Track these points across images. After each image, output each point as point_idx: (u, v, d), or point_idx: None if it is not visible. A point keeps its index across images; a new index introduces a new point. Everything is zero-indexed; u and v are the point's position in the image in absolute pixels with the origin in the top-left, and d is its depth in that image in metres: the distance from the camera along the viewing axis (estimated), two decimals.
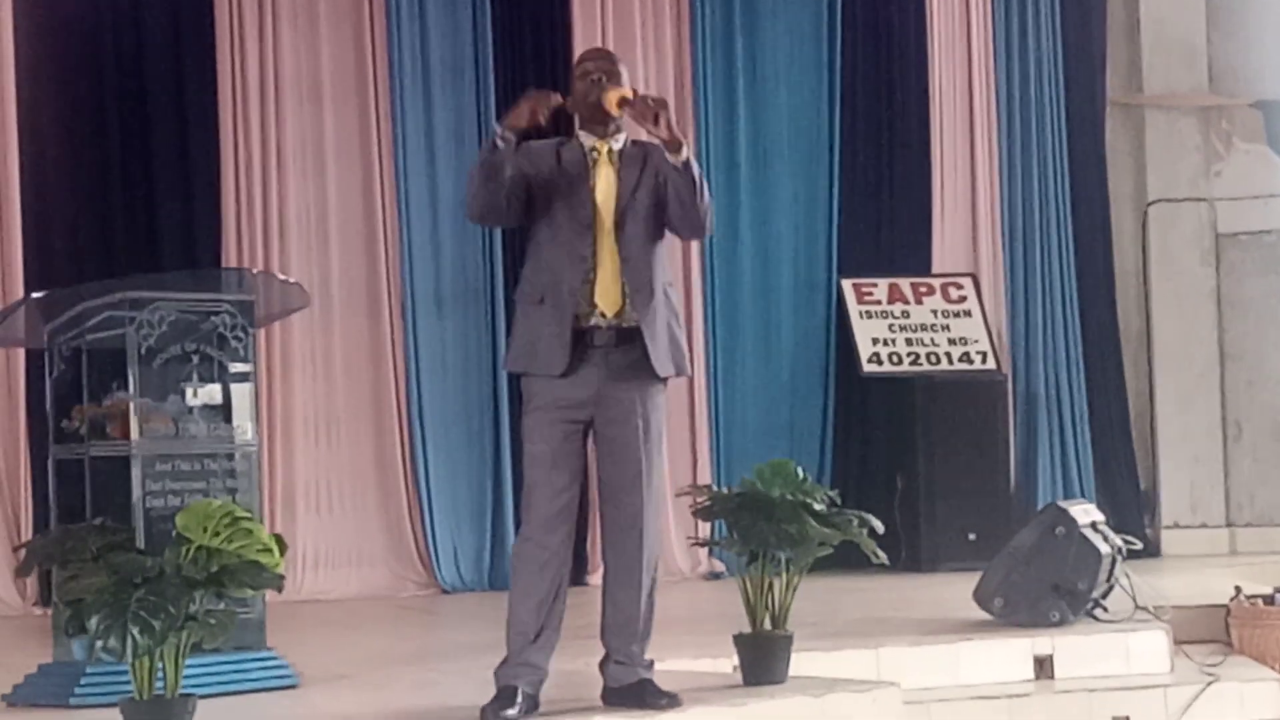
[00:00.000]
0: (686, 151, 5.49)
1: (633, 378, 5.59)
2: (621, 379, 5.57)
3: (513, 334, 5.69)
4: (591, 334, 5.53)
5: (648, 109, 5.45)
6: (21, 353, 9.66)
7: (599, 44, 11.15)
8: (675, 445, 11.22)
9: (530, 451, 5.58)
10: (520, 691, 5.52)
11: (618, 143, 5.65)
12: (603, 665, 5.71)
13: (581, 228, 5.54)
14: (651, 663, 5.70)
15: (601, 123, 5.63)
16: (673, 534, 11.00)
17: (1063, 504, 8.33)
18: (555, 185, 5.56)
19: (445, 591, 10.43)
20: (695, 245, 11.32)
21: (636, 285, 5.56)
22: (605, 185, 5.60)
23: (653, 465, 5.65)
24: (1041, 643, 7.59)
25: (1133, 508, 11.78)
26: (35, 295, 6.76)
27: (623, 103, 5.58)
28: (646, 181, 5.61)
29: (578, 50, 10.99)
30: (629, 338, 5.57)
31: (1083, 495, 11.34)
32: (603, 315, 5.53)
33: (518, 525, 6.00)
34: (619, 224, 5.56)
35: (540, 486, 5.55)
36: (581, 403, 5.53)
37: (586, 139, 5.65)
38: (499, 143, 5.41)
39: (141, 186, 10.33)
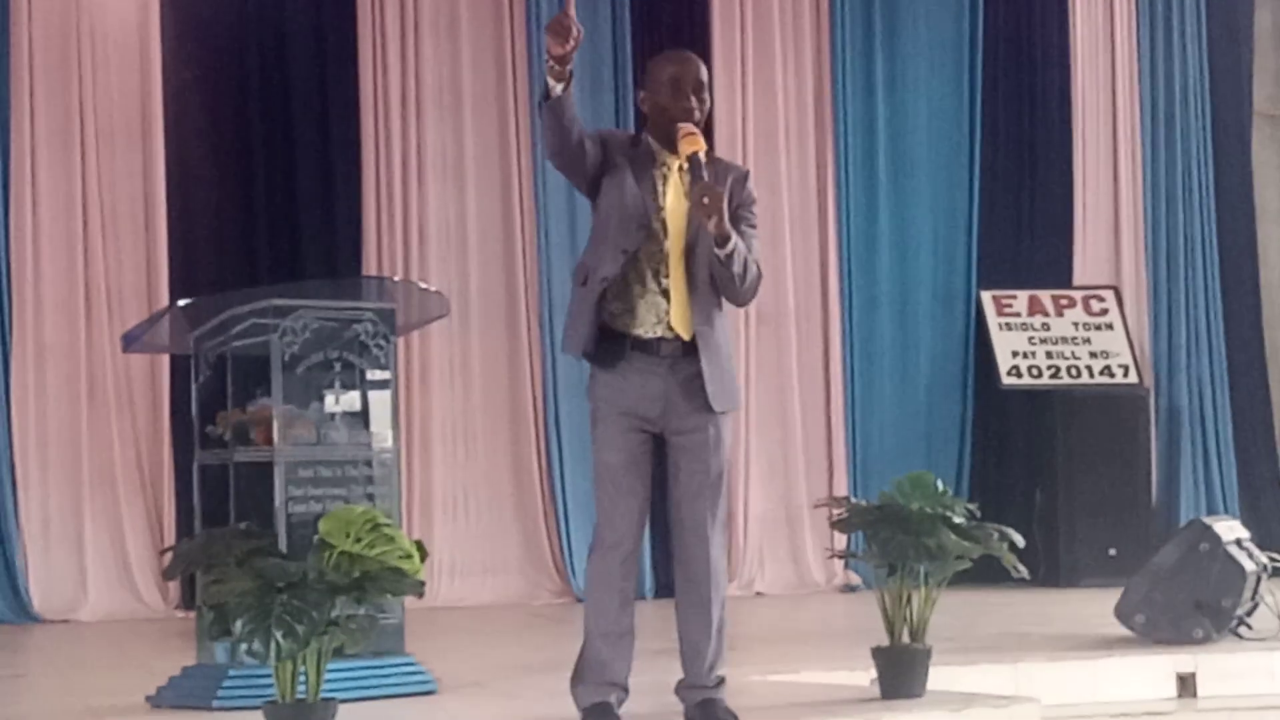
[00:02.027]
0: (731, 245, 5.33)
1: (700, 392, 5.51)
2: (690, 392, 5.48)
3: (568, 313, 5.55)
4: (658, 345, 5.47)
5: (706, 200, 5.26)
6: (166, 358, 9.81)
7: (738, 55, 11.17)
8: (811, 456, 11.21)
9: (603, 462, 5.44)
10: (612, 708, 5.44)
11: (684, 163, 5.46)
12: (678, 688, 5.60)
13: (649, 241, 5.41)
14: (720, 681, 5.52)
15: (671, 141, 5.47)
16: (809, 545, 10.98)
17: (1207, 520, 8.22)
18: (624, 182, 5.42)
19: (580, 600, 10.44)
20: (833, 254, 11.31)
21: (703, 312, 5.45)
22: (675, 203, 5.45)
23: (721, 482, 5.51)
24: (1184, 660, 7.48)
25: (1277, 525, 11.59)
26: (181, 302, 6.84)
27: (691, 160, 5.43)
28: (731, 211, 5.41)
29: (718, 60, 11.04)
30: (693, 356, 5.47)
31: (1226, 511, 11.19)
32: (671, 330, 5.46)
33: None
34: (690, 247, 5.42)
35: (616, 499, 5.42)
36: (651, 415, 5.42)
37: (657, 149, 5.49)
38: (550, 83, 5.23)
39: (284, 196, 10.46)
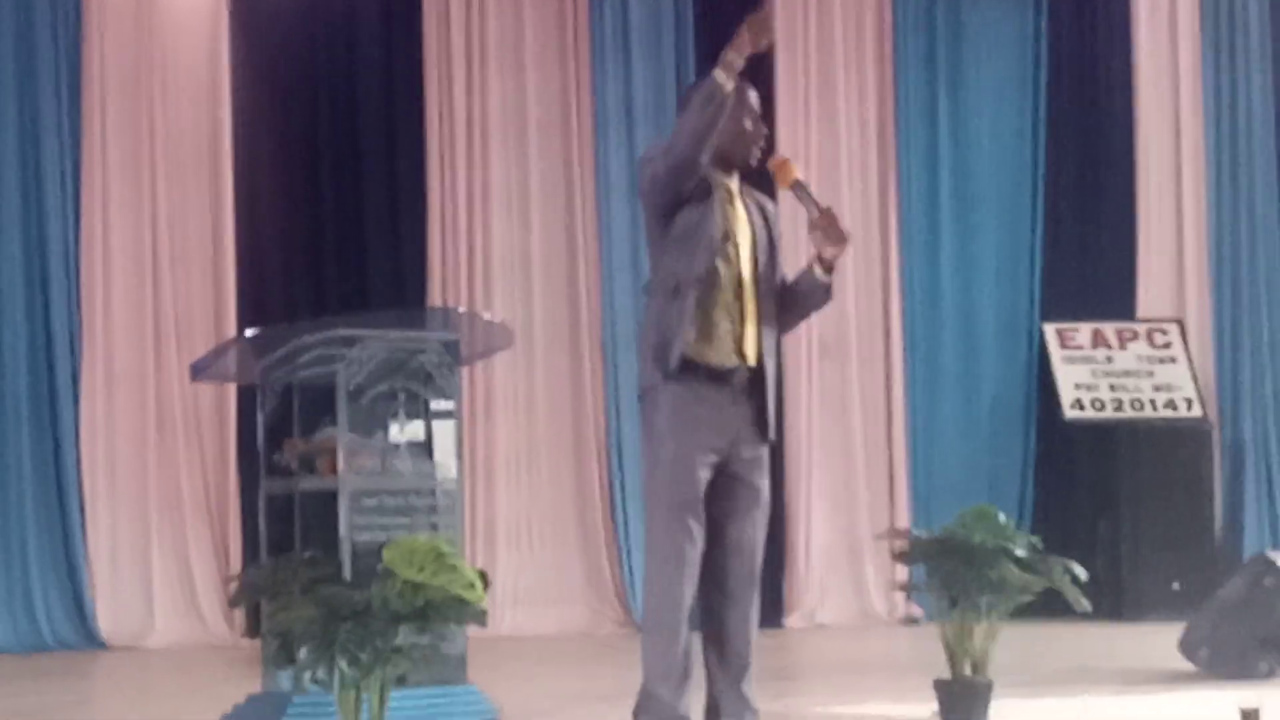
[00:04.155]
0: (834, 273, 5.50)
1: (756, 422, 5.54)
2: (751, 421, 5.51)
3: (652, 329, 5.45)
4: (731, 374, 5.49)
5: (836, 228, 5.41)
6: (233, 388, 9.89)
7: (802, 88, 11.19)
8: (873, 488, 11.19)
9: (673, 500, 5.37)
10: None
11: (734, 181, 5.58)
12: (715, 716, 5.60)
13: (724, 263, 5.44)
14: (758, 712, 5.56)
15: (732, 166, 5.54)
16: (871, 577, 10.96)
17: (1271, 554, 8.17)
18: (701, 203, 5.44)
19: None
20: (895, 287, 11.30)
21: (771, 338, 5.52)
22: (744, 228, 5.50)
23: (768, 504, 5.58)
24: (1249, 696, 7.40)
25: None
26: (249, 333, 6.92)
27: (796, 186, 5.51)
28: (774, 241, 5.57)
29: (782, 93, 11.06)
30: (756, 386, 5.52)
31: None
32: (744, 360, 5.48)
33: None
34: (759, 276, 5.49)
35: (688, 540, 5.37)
36: (721, 445, 5.43)
37: (711, 172, 5.50)
38: (721, 80, 5.23)
39: (351, 227, 10.55)
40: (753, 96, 5.58)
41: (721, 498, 5.46)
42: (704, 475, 5.42)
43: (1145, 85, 11.74)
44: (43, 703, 7.66)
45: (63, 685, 8.45)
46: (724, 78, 5.24)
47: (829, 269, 5.47)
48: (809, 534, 10.98)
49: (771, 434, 5.51)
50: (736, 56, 5.24)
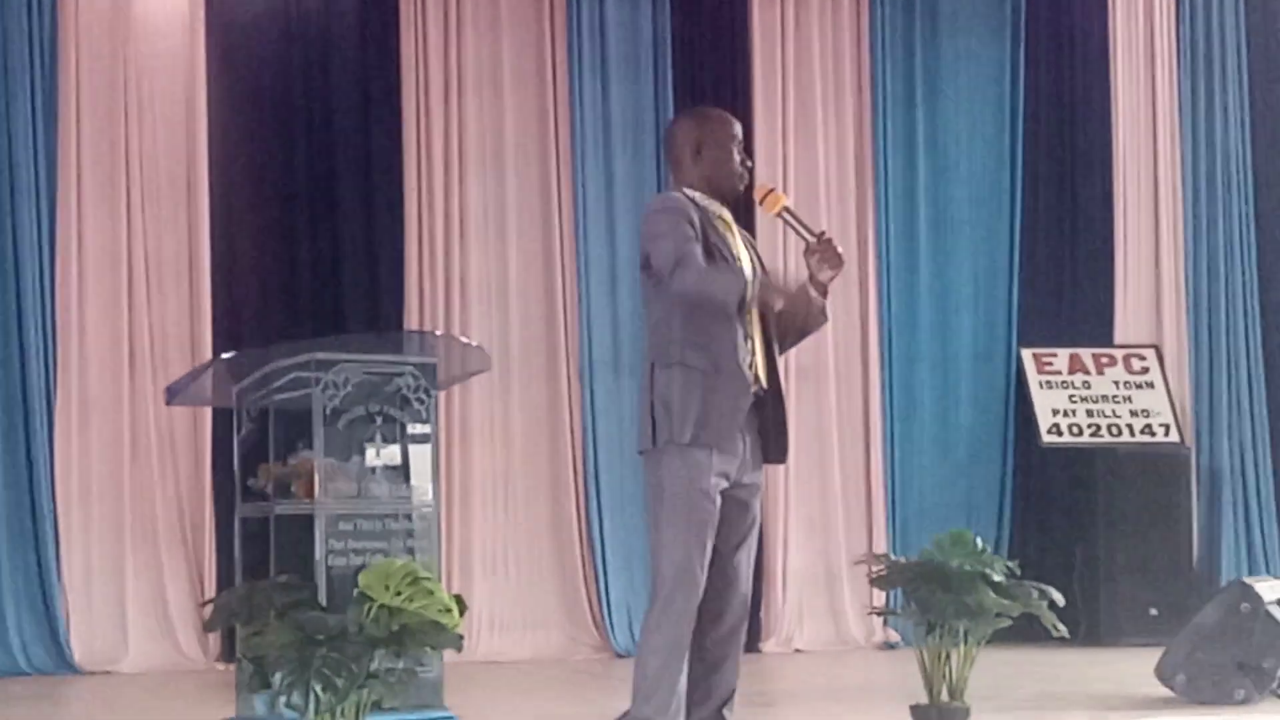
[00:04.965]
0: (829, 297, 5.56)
1: (759, 447, 5.53)
2: (756, 444, 5.52)
3: (677, 401, 5.43)
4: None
5: (833, 252, 5.44)
6: (208, 411, 9.86)
7: (779, 111, 11.20)
8: (851, 513, 11.18)
9: (690, 521, 5.38)
10: None
11: (725, 211, 5.64)
12: None
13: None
14: None
15: (723, 197, 5.62)
16: (849, 602, 10.95)
17: (1248, 580, 8.19)
18: (712, 246, 5.49)
19: (619, 655, 10.44)
20: (873, 311, 11.30)
21: (774, 363, 5.55)
22: (743, 254, 5.57)
23: (758, 527, 5.62)
24: None
25: None
26: (225, 356, 6.90)
27: (788, 213, 5.55)
28: (765, 266, 5.65)
29: (759, 117, 11.08)
30: (759, 410, 5.52)
31: (1268, 571, 11.14)
32: (759, 382, 5.49)
33: None
34: (759, 296, 5.54)
35: (697, 565, 5.37)
36: (731, 470, 5.45)
37: (707, 202, 5.58)
38: (748, 294, 5.37)
39: (327, 250, 10.52)
40: (738, 128, 5.66)
41: (723, 524, 5.46)
42: (718, 499, 5.43)
43: (1123, 113, 11.78)
44: None
45: (36, 710, 8.40)
46: (750, 295, 5.34)
47: (824, 292, 5.47)
48: (786, 558, 10.96)
49: (785, 456, 5.52)
50: (781, 294, 5.44)
